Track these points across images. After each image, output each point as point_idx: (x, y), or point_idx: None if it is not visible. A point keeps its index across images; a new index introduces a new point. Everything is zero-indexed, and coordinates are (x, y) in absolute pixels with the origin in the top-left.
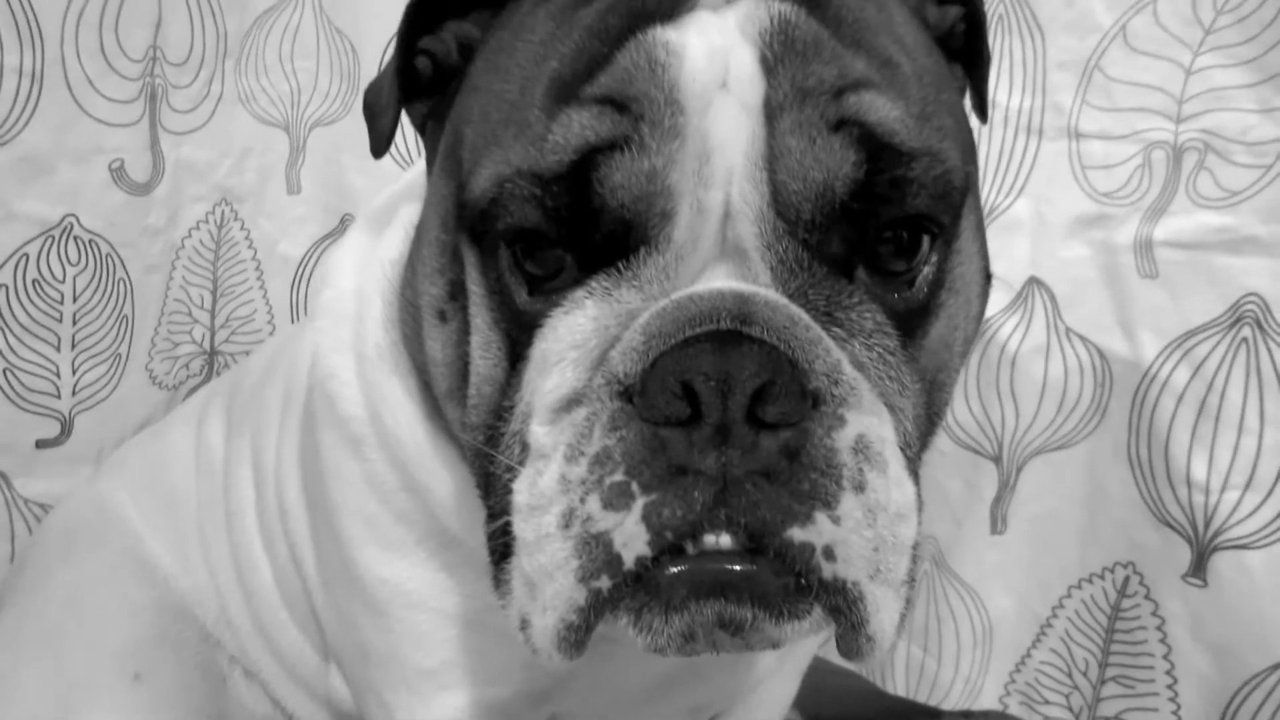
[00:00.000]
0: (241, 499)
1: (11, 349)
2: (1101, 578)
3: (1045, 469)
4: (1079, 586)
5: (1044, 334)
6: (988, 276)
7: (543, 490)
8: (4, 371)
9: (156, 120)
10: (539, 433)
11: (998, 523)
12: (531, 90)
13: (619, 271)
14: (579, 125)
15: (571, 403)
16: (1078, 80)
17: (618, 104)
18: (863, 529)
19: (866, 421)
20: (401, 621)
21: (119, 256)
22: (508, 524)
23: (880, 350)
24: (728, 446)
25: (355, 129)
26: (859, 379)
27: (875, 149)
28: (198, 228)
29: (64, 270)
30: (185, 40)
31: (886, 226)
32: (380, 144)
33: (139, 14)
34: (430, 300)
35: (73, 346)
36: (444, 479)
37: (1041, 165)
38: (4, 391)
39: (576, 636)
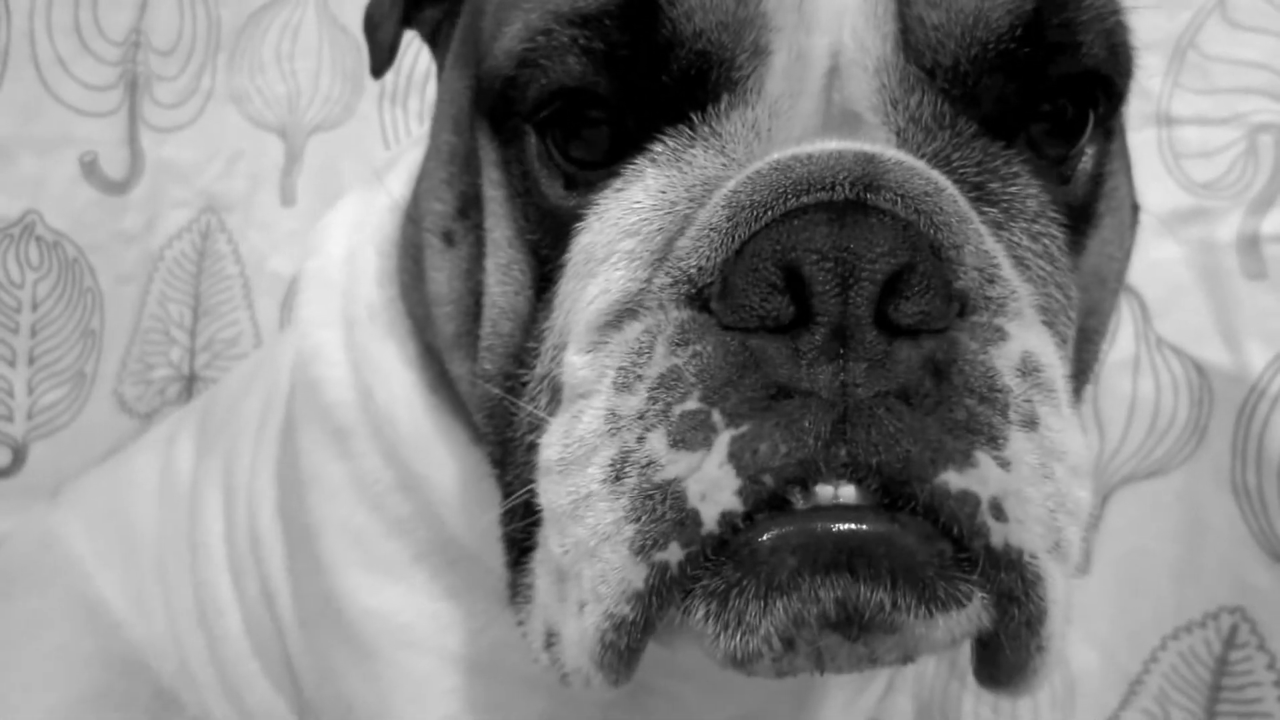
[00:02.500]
0: (208, 529)
1: None
2: (1204, 626)
3: (1135, 499)
4: (1176, 637)
5: (1132, 346)
6: (1136, 207)
7: (582, 436)
8: None
9: (136, 112)
10: (576, 364)
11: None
12: None
13: (692, 129)
14: None
15: (623, 315)
16: (1168, 61)
17: None
18: (1039, 480)
19: (1032, 337)
20: (393, 666)
21: (87, 262)
22: (529, 505)
23: (1047, 242)
24: (849, 357)
25: (358, 136)
26: (1019, 279)
27: None
28: (180, 237)
29: (23, 274)
30: (173, 26)
31: (1051, 87)
32: (380, 58)
33: None
34: (435, 219)
35: (30, 362)
36: (448, 467)
37: None
38: None
39: (628, 643)
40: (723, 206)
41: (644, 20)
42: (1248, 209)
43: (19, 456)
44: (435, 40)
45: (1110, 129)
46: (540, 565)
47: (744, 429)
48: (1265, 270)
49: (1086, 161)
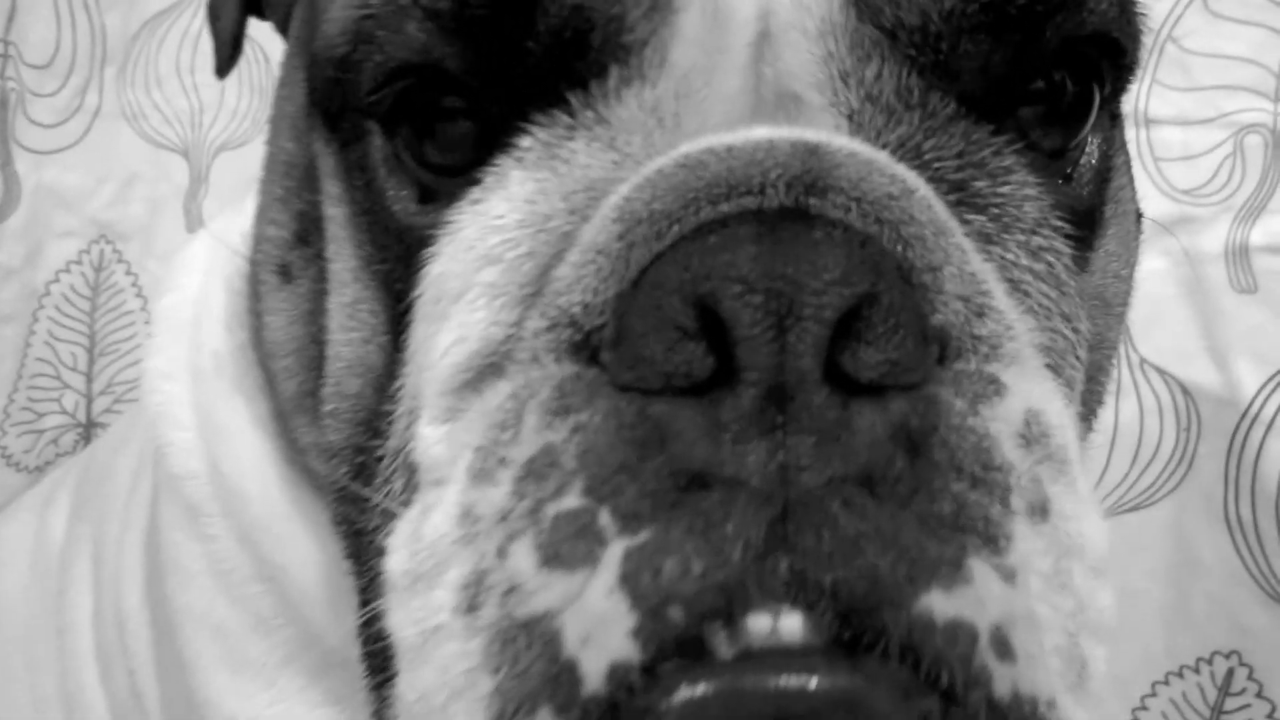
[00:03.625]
0: (76, 607)
1: None
2: (1196, 671)
3: (1118, 534)
4: (1167, 682)
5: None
6: (1139, 214)
7: (431, 542)
8: None
9: (8, 134)
10: (429, 439)
11: None
12: None
13: (571, 115)
14: None
15: (485, 373)
16: (1145, 56)
17: None
18: (1054, 592)
19: (1035, 389)
20: None
21: None
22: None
23: (1049, 259)
24: (790, 429)
25: None
26: (1016, 310)
27: None
28: (68, 270)
29: None
30: (49, 37)
31: (1049, 56)
32: (223, 54)
33: None
34: (269, 248)
35: None
36: (309, 556)
37: None
38: None
39: None
40: (613, 220)
41: None
42: (1235, 217)
43: None
44: (286, 29)
45: (1115, 112)
46: (399, 700)
47: (643, 538)
48: (1256, 283)
49: (1090, 153)
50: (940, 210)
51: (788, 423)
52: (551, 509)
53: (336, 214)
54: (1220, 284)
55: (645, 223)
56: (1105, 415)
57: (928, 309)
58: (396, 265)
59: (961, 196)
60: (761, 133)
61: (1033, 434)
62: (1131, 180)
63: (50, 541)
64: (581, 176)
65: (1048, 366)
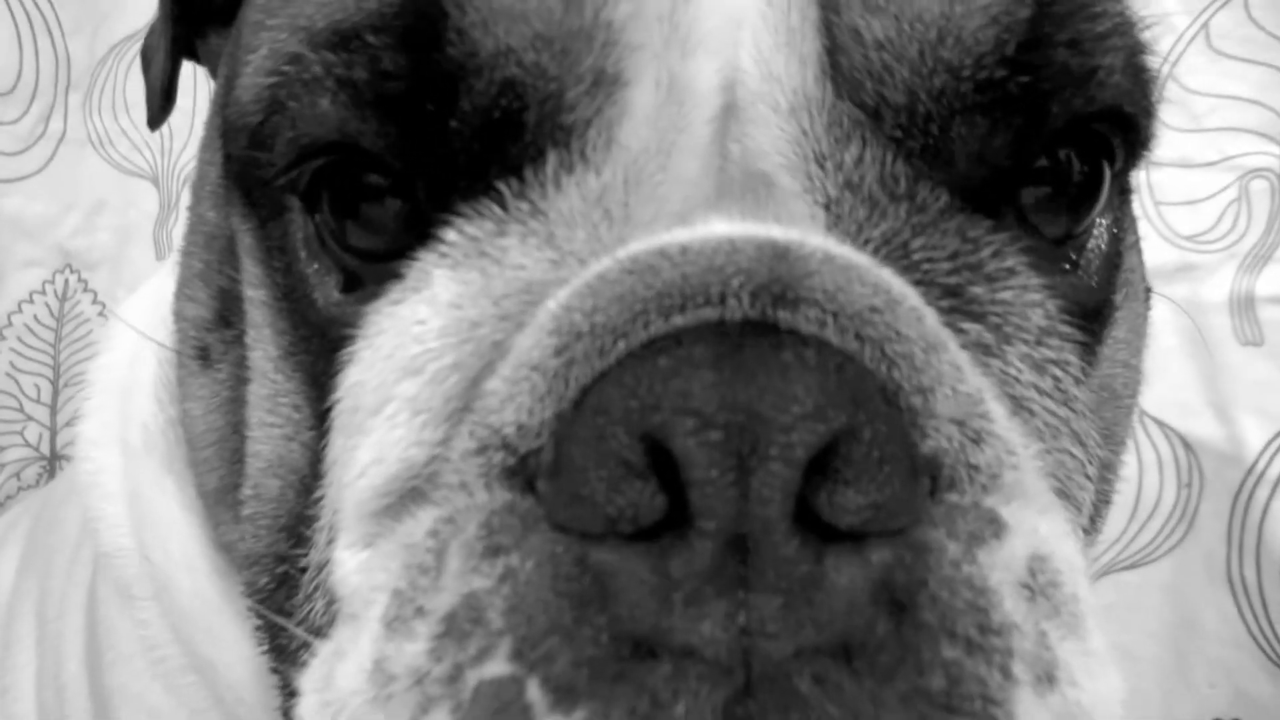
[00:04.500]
0: (19, 668)
1: None
2: None
3: (1114, 593)
4: None
5: None
6: (1148, 292)
7: (342, 695)
8: None
9: None
10: (346, 564)
11: None
12: None
13: (502, 205)
14: None
15: (407, 497)
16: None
17: None
18: None
19: (1041, 527)
20: None
21: None
22: None
23: (1056, 372)
24: (754, 586)
25: None
26: (1019, 433)
27: None
28: (31, 300)
29: None
30: (10, 63)
31: (1054, 134)
32: (153, 103)
33: None
34: (188, 327)
35: None
36: (239, 651)
37: None
38: None
39: None
40: (549, 333)
41: (425, 36)
42: (1240, 265)
43: None
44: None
45: (1125, 187)
46: None
47: (578, 717)
48: (1261, 335)
49: (1099, 237)
50: (931, 322)
51: (750, 579)
52: (473, 676)
53: (256, 297)
54: (1224, 335)
55: (586, 337)
56: None
57: (917, 436)
58: (320, 359)
59: (956, 303)
60: (722, 230)
61: (1038, 583)
62: (1141, 258)
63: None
64: (514, 278)
65: (1056, 491)
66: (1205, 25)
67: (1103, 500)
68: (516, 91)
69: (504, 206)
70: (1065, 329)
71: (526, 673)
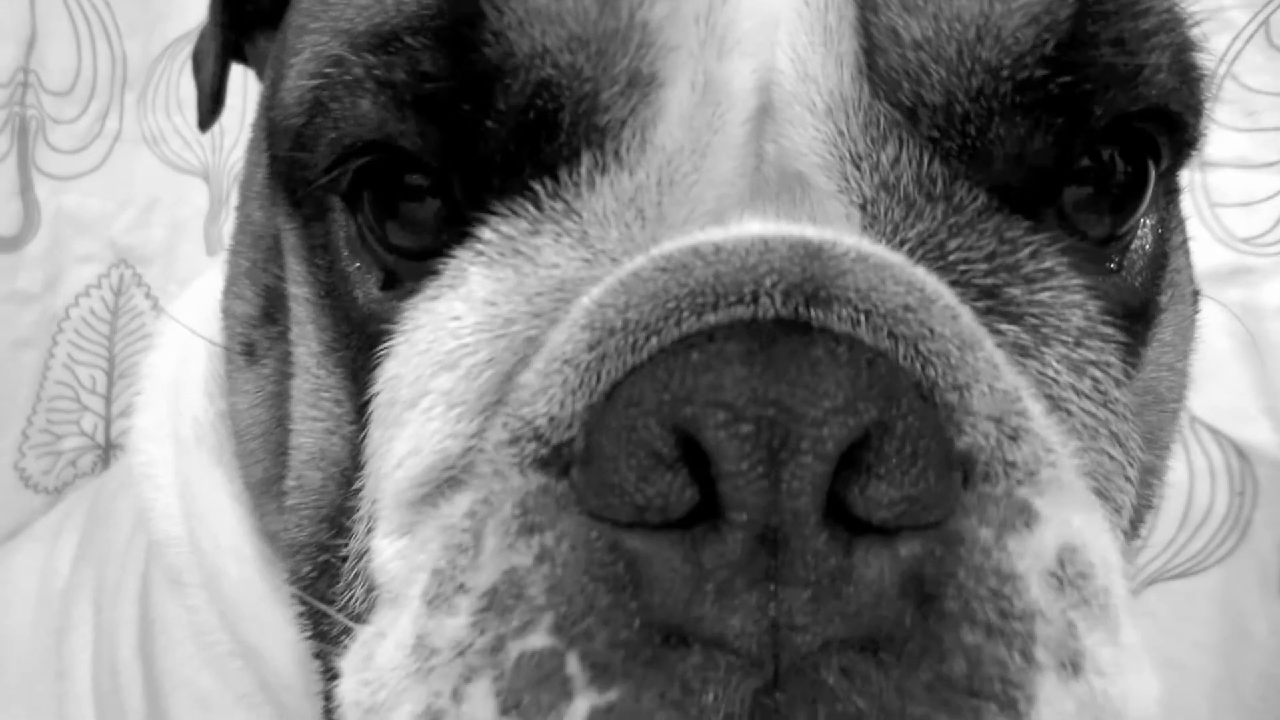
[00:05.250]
0: (76, 651)
1: None
2: None
3: (1163, 602)
4: None
5: None
6: (1195, 292)
7: (383, 672)
8: None
9: (29, 160)
10: (384, 552)
11: None
12: None
13: (536, 205)
14: None
15: (444, 485)
16: (1205, 124)
17: None
18: None
19: (1075, 520)
20: None
21: None
22: None
23: (1096, 374)
24: (783, 579)
25: None
26: (1057, 431)
27: None
28: (88, 294)
29: None
30: (70, 65)
31: (1098, 134)
32: (204, 105)
33: (4, 27)
34: (235, 325)
35: None
36: (284, 639)
37: None
38: None
39: None
40: (582, 328)
41: (462, 37)
42: None
43: None
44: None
45: (1172, 187)
46: None
47: (612, 696)
48: None
49: (1144, 238)
50: (967, 321)
51: (780, 571)
52: (515, 648)
53: (299, 294)
54: None
55: (619, 333)
56: None
57: (953, 432)
58: (360, 354)
59: (993, 304)
60: (755, 230)
61: (1068, 574)
62: (1189, 259)
63: (55, 578)
64: (548, 276)
65: (1095, 491)
66: (1265, 22)
67: (1145, 505)
68: (552, 92)
69: (539, 206)
70: (1106, 330)
71: (567, 647)
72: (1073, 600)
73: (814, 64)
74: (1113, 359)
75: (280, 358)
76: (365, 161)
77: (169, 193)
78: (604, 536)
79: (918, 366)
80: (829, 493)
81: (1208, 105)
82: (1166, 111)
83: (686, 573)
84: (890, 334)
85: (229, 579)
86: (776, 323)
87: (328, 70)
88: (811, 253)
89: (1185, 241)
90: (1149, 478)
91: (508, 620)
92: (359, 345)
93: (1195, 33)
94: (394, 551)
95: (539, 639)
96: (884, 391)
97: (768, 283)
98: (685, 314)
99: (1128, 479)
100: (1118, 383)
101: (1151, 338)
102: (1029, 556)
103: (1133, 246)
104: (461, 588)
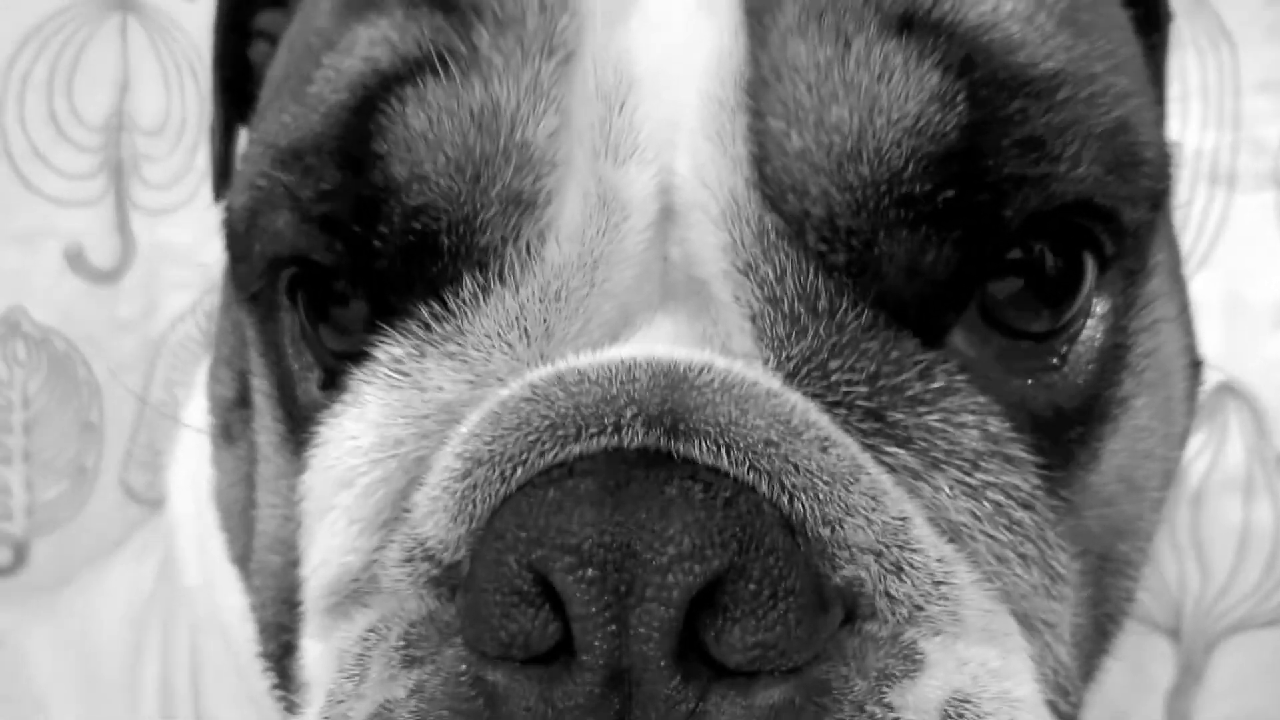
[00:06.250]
0: (145, 671)
1: None
2: None
3: (1246, 652)
4: None
5: (1243, 463)
6: (1196, 364)
7: None
8: None
9: (125, 197)
10: (310, 653)
11: None
12: (317, 22)
13: (426, 326)
14: (366, 42)
15: (351, 598)
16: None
17: (444, 1)
18: None
19: (969, 656)
20: None
21: (80, 355)
22: None
23: (997, 497)
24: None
25: None
26: (950, 559)
27: (984, 77)
28: (184, 320)
29: (10, 372)
30: (159, 106)
31: (1014, 233)
32: (215, 173)
33: (98, 74)
34: (215, 405)
35: (26, 460)
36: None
37: (1235, 225)
38: None
39: None
40: (455, 456)
41: (355, 159)
42: None
43: (20, 555)
44: None
45: (1135, 268)
46: None
47: None
48: None
49: (1094, 329)
50: (841, 452)
51: (632, 713)
52: None
53: (259, 385)
54: None
55: (486, 464)
56: (1234, 516)
57: (826, 567)
58: (305, 447)
59: (880, 426)
60: (622, 355)
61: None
62: (1185, 327)
63: (139, 594)
64: (433, 399)
65: (1014, 615)
66: None
67: (1107, 623)
68: (431, 215)
69: (428, 327)
70: (1010, 450)
71: None
72: None
73: (709, 170)
74: (1018, 480)
75: (250, 442)
76: (294, 271)
77: None
78: (471, 670)
79: (784, 501)
80: (692, 632)
81: (1170, 170)
82: (1092, 205)
83: (540, 710)
84: (752, 468)
85: (243, 644)
86: (640, 454)
87: (259, 184)
88: (674, 382)
89: (1180, 307)
90: (1124, 569)
91: None
92: (304, 441)
93: (1139, 104)
94: (314, 655)
95: None
96: (739, 534)
97: (628, 414)
98: (548, 445)
99: (1052, 597)
100: (1025, 504)
101: (1111, 433)
102: (910, 710)
103: (1081, 338)
104: (345, 717)
